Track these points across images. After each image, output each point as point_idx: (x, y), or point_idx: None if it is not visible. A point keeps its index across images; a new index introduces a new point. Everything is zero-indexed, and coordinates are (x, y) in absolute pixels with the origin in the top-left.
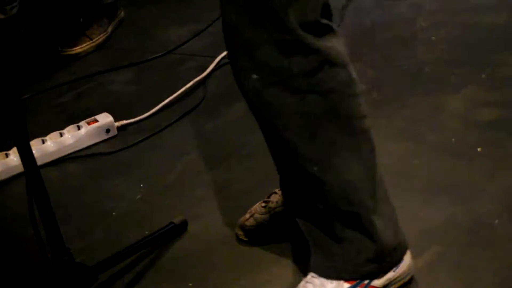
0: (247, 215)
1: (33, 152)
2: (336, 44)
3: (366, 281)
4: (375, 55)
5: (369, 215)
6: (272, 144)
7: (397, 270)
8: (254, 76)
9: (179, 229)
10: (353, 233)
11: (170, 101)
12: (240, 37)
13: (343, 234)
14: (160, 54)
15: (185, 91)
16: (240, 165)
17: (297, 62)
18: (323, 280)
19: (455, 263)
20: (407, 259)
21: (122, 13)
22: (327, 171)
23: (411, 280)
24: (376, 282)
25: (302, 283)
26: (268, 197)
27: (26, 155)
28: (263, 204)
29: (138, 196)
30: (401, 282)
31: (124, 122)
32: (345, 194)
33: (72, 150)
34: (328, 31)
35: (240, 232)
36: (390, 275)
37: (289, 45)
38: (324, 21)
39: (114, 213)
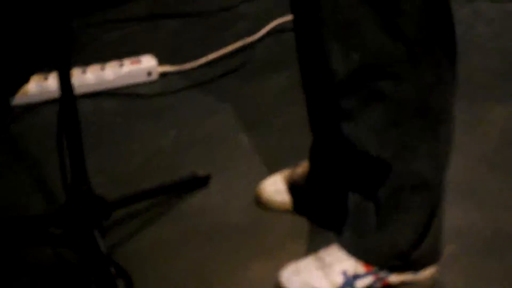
0: (269, 180)
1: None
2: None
3: (383, 273)
4: None
5: (428, 213)
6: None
7: (418, 275)
8: (354, 56)
9: (201, 182)
10: (400, 226)
11: (214, 58)
12: (345, 15)
13: (390, 224)
14: (213, 9)
15: (232, 50)
16: (272, 132)
17: (401, 47)
18: (343, 254)
19: (467, 266)
20: (432, 270)
21: None
22: (399, 159)
23: None
24: (392, 278)
25: (323, 252)
26: (294, 167)
27: (65, 81)
28: (286, 173)
29: (166, 143)
30: None
31: (167, 68)
32: (410, 185)
33: (110, 86)
34: None
35: (260, 196)
36: (409, 276)
37: (397, 27)
38: None
39: (139, 156)
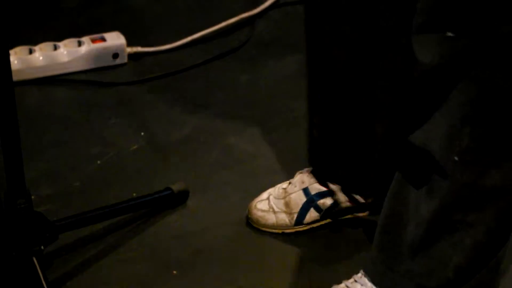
0: (264, 195)
1: (14, 62)
2: None
3: None
4: None
5: (489, 233)
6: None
7: None
8: (449, 34)
9: (177, 198)
10: (444, 250)
11: (203, 36)
12: None
13: (429, 247)
14: None
15: (225, 27)
16: (268, 135)
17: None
18: (369, 285)
19: None
20: None
21: None
22: (467, 167)
23: None
24: None
25: (341, 285)
26: (293, 178)
27: (1, 62)
28: (284, 186)
29: (134, 146)
30: None
31: (139, 49)
32: (468, 200)
33: (65, 71)
34: None
35: (250, 216)
36: None
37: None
38: None
39: (99, 161)
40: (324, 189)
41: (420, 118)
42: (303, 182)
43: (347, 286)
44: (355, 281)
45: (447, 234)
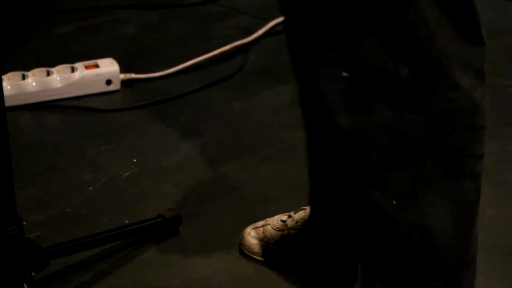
0: (260, 223)
1: (7, 87)
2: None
3: None
4: None
5: (448, 280)
6: (334, 159)
7: None
8: (344, 74)
9: (169, 225)
10: None
11: (196, 63)
12: (336, 17)
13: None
14: (198, 1)
15: (219, 54)
16: (262, 165)
17: (404, 67)
18: None
19: None
20: None
21: None
22: (406, 210)
23: None
24: None
25: None
26: (295, 212)
27: None
28: (283, 218)
29: (127, 173)
30: None
31: (132, 76)
32: (422, 244)
33: (58, 97)
34: None
35: (243, 242)
36: None
37: (399, 40)
38: None
39: (91, 188)
40: None
41: None
42: (304, 221)
43: None
44: None
45: (421, 275)
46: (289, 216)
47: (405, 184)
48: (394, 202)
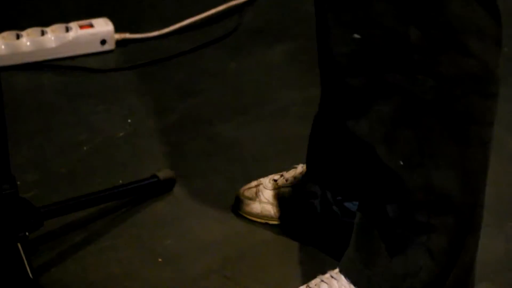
0: (253, 183)
1: (1, 47)
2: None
3: None
4: None
5: (454, 242)
6: (344, 115)
7: None
8: (355, 36)
9: (163, 186)
10: (416, 254)
11: (191, 23)
12: None
13: (404, 249)
14: None
15: (214, 14)
16: (258, 123)
17: (415, 30)
18: (345, 282)
19: None
20: None
21: None
22: (413, 171)
23: None
24: None
25: (317, 280)
26: (287, 171)
27: None
28: (275, 177)
29: (121, 133)
30: None
31: (127, 35)
32: (426, 203)
33: (52, 57)
34: None
35: (236, 202)
36: None
37: (411, 3)
38: None
39: (85, 147)
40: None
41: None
42: (295, 179)
43: (324, 280)
44: (331, 276)
45: (415, 236)
46: (281, 175)
47: (413, 145)
48: (401, 162)
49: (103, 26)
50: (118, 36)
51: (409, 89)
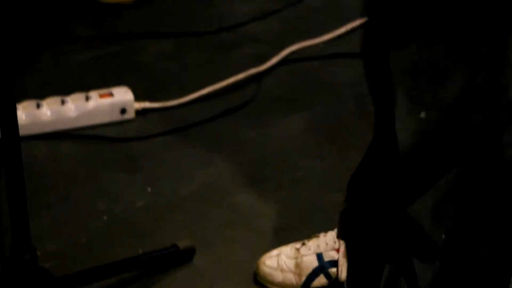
0: (274, 252)
1: (21, 116)
2: None
3: None
4: None
5: None
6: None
7: None
8: (422, 115)
9: (183, 256)
10: None
11: (210, 92)
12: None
13: None
14: (212, 29)
15: (233, 83)
16: (278, 193)
17: (478, 115)
18: None
19: None
20: None
21: None
22: (455, 247)
23: None
24: None
25: None
26: (309, 240)
27: (8, 116)
28: (297, 246)
29: (141, 203)
30: None
31: (147, 105)
32: (463, 279)
33: (72, 126)
34: None
35: (258, 272)
36: None
37: (478, 86)
38: None
39: (105, 217)
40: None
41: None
42: (318, 246)
43: None
44: None
45: None
46: (303, 244)
47: (459, 221)
48: (443, 236)
49: (123, 95)
50: (138, 105)
51: (467, 171)
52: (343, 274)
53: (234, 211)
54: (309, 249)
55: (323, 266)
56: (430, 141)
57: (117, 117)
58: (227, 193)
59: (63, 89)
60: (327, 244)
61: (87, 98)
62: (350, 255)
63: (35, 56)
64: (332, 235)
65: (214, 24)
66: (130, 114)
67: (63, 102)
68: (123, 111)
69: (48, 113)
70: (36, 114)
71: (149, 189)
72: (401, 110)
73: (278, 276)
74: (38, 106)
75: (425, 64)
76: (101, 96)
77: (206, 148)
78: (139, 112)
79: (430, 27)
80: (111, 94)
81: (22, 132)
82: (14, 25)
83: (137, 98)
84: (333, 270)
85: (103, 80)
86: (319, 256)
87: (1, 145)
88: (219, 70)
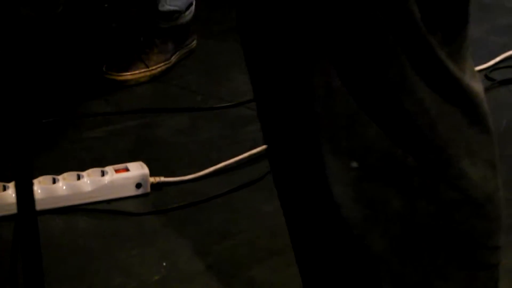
0: None
1: (38, 191)
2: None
3: None
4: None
5: None
6: (337, 253)
7: None
8: (354, 164)
9: None
10: None
11: (226, 166)
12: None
13: None
14: (228, 104)
15: (249, 157)
16: (294, 266)
17: (414, 154)
18: None
19: None
20: None
21: (194, 43)
22: None
23: None
24: None
25: None
26: None
27: (24, 191)
28: None
29: (156, 277)
30: None
31: (162, 179)
32: None
33: (88, 200)
34: None
35: None
36: None
37: (401, 129)
38: None
39: None
40: None
41: None
42: None
43: None
44: None
45: None
46: None
47: (419, 276)
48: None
49: (138, 170)
50: (153, 179)
51: (410, 217)
52: None
53: (250, 284)
54: None
55: None
56: (368, 188)
57: (132, 191)
58: (242, 267)
59: (79, 165)
60: None
61: (103, 173)
62: None
63: (50, 132)
64: None
65: (231, 99)
66: (146, 189)
67: (79, 177)
68: (138, 185)
69: (64, 187)
70: (52, 189)
71: (164, 264)
72: (330, 166)
73: None
74: (54, 181)
75: (343, 118)
76: (117, 171)
77: (221, 222)
78: (155, 187)
79: None
80: (126, 169)
81: (38, 206)
82: (31, 102)
83: (153, 172)
84: None
85: (118, 156)
86: None
87: (17, 221)
88: (234, 145)
